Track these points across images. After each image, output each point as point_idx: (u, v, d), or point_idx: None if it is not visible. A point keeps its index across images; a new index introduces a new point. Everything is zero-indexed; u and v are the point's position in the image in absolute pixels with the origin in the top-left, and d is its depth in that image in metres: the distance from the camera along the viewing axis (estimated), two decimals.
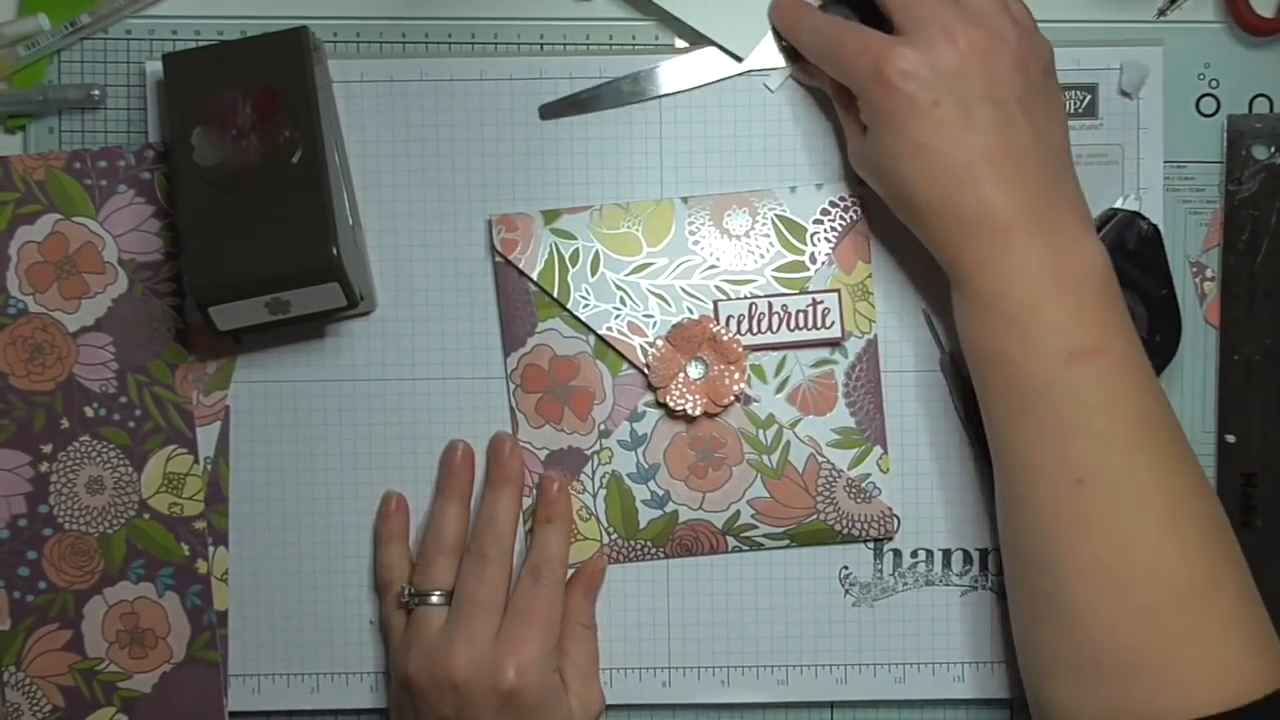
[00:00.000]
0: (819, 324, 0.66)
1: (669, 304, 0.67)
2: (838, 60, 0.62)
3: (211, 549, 0.68)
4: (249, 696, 0.68)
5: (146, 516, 0.68)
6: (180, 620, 0.68)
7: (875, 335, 0.67)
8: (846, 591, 0.68)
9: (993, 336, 0.59)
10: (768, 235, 0.67)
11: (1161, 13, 0.69)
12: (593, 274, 0.67)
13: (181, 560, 0.68)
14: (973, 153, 0.58)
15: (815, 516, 0.67)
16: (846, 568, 0.68)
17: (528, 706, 0.61)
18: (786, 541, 0.68)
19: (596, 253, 0.67)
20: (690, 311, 0.67)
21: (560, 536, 0.66)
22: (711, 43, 0.67)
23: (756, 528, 0.67)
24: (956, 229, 0.59)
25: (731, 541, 0.67)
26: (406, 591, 0.65)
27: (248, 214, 0.61)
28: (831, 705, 0.69)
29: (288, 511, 0.68)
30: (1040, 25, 0.68)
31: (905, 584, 0.68)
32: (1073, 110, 0.67)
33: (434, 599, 0.64)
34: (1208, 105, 0.69)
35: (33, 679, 0.68)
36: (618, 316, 0.67)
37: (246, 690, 0.68)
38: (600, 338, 0.67)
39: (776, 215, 0.67)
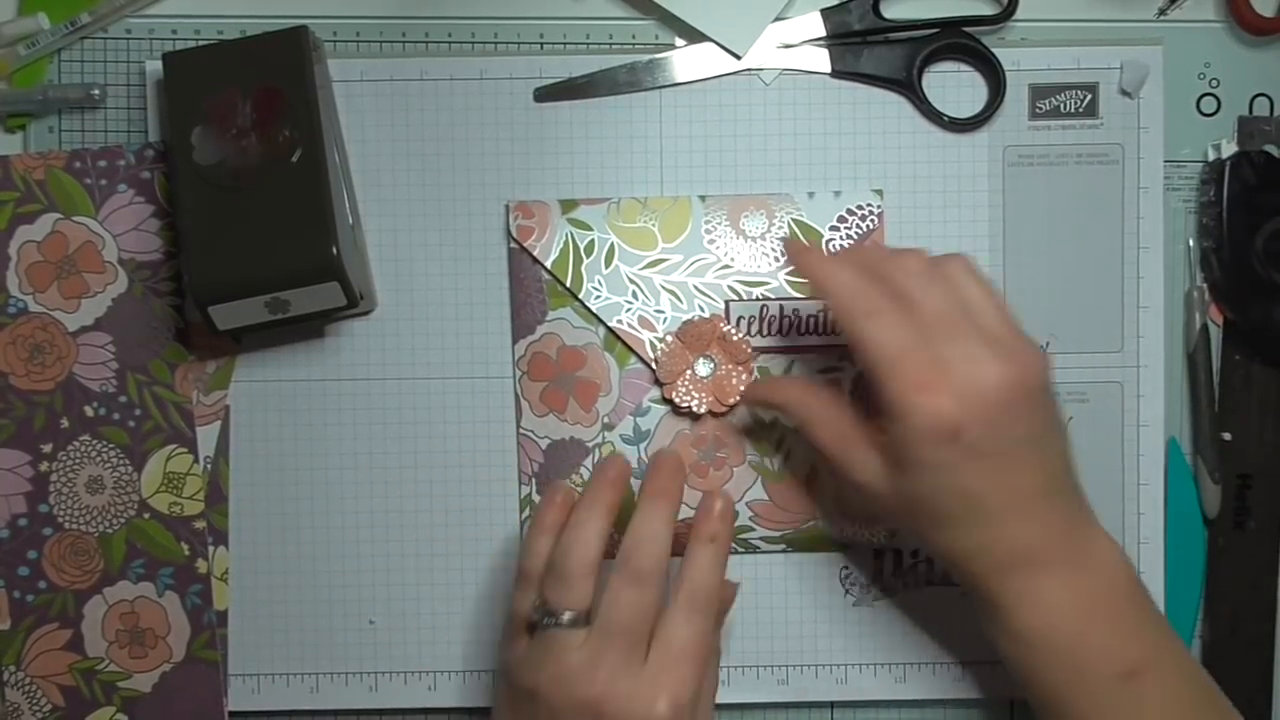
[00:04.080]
0: (829, 331, 0.66)
1: (681, 301, 0.67)
2: (874, 373, 0.57)
3: (211, 549, 0.68)
4: (249, 696, 0.68)
5: (146, 516, 0.68)
6: (180, 620, 0.68)
7: None
8: (846, 591, 0.68)
9: (1043, 670, 0.58)
10: (784, 238, 0.67)
11: (1161, 12, 0.69)
12: (606, 266, 0.67)
13: (181, 560, 0.68)
14: (1015, 494, 0.57)
15: (814, 523, 0.67)
16: (846, 568, 0.68)
17: None
18: (783, 546, 0.68)
19: (612, 245, 0.67)
20: (701, 310, 0.67)
21: (719, 561, 0.60)
22: (710, 41, 0.67)
23: (754, 530, 0.67)
24: (994, 568, 0.58)
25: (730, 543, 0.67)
26: (535, 605, 0.59)
27: (248, 214, 0.61)
28: (831, 705, 0.69)
29: (288, 511, 0.68)
30: (1040, 25, 0.69)
31: (905, 584, 0.68)
32: (1073, 110, 0.68)
33: (565, 618, 0.58)
34: (1208, 105, 0.69)
35: (33, 679, 0.68)
36: (629, 310, 0.67)
37: (246, 690, 0.68)
38: (610, 330, 0.67)
39: (793, 219, 0.67)
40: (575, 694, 0.56)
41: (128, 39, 0.68)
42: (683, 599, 0.59)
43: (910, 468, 0.57)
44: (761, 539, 0.68)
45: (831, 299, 0.58)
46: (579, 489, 0.66)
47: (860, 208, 0.67)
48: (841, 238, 0.67)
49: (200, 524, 0.68)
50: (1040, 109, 0.68)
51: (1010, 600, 0.58)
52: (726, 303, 0.67)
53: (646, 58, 0.68)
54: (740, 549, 0.68)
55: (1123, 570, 0.58)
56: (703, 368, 0.66)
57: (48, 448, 0.68)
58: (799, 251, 0.61)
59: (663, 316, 0.67)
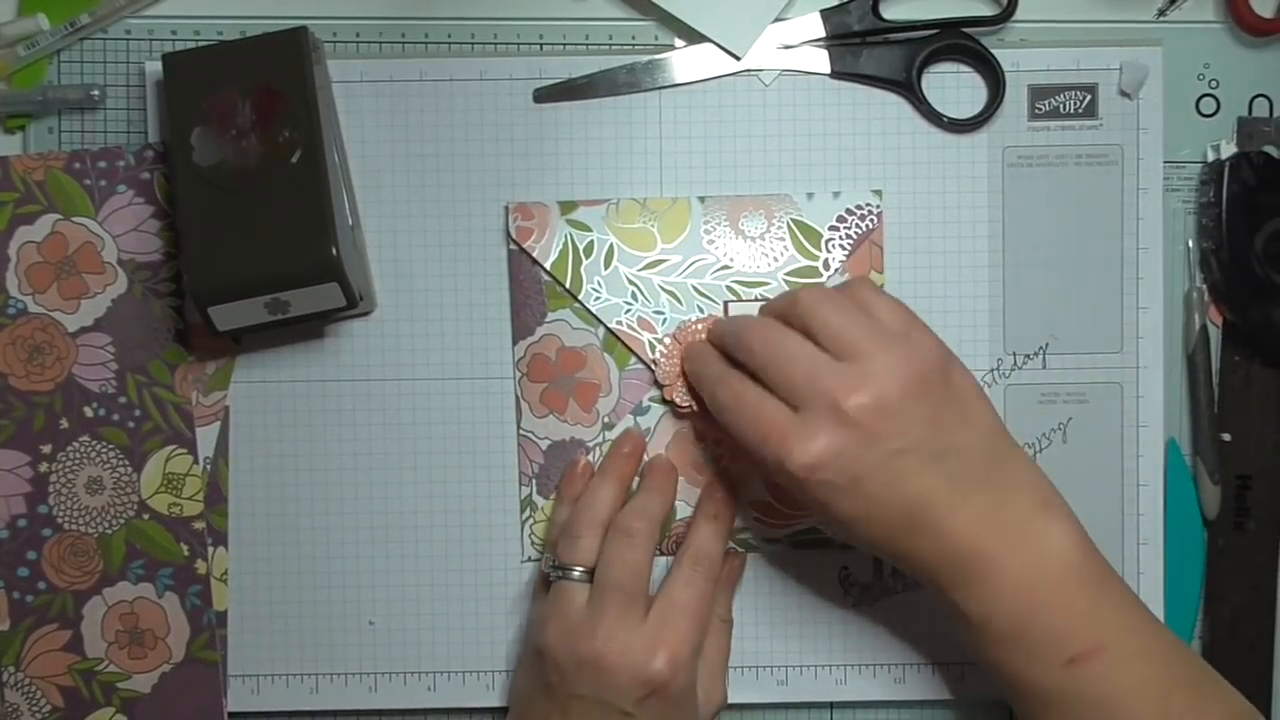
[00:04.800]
0: None
1: (680, 302, 0.67)
2: (741, 440, 0.59)
3: (211, 549, 0.68)
4: (248, 697, 0.68)
5: (146, 517, 0.68)
6: (180, 620, 0.68)
7: None
8: (846, 592, 0.68)
9: (992, 651, 0.58)
10: (782, 239, 0.67)
11: (1161, 13, 0.69)
12: (606, 267, 0.67)
13: (181, 560, 0.68)
14: (913, 502, 0.57)
15: (814, 523, 0.67)
16: (846, 568, 0.68)
17: (668, 698, 0.60)
18: (783, 546, 0.68)
19: (611, 246, 0.67)
20: (700, 310, 0.67)
21: (720, 535, 0.65)
22: (710, 42, 0.67)
23: (754, 530, 0.67)
24: (924, 569, 0.58)
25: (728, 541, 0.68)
26: (549, 561, 0.64)
27: (247, 214, 0.61)
28: (831, 705, 0.69)
29: (288, 511, 0.68)
30: (1040, 26, 0.68)
31: (905, 584, 0.68)
32: (1073, 110, 0.68)
33: (576, 573, 0.62)
34: (1208, 105, 0.69)
35: (32, 679, 0.68)
36: (628, 311, 0.67)
37: (246, 690, 0.68)
38: (610, 330, 0.67)
39: (792, 220, 0.67)
40: (577, 647, 0.60)
41: (127, 39, 0.68)
42: (685, 562, 0.63)
43: (805, 502, 0.58)
44: (761, 539, 0.68)
45: (690, 371, 0.65)
46: (590, 460, 0.68)
47: (859, 208, 0.67)
48: (841, 238, 0.67)
49: (200, 524, 0.68)
50: (1040, 110, 0.68)
51: (952, 593, 0.58)
52: (725, 303, 0.67)
53: (646, 58, 0.68)
54: (740, 549, 0.68)
55: (1071, 556, 0.57)
56: None
57: (47, 448, 0.68)
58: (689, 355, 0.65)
59: (662, 317, 0.67)
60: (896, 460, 0.56)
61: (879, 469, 0.56)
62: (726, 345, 0.62)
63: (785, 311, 0.60)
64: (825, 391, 0.56)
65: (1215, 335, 0.68)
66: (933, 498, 0.57)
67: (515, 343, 0.68)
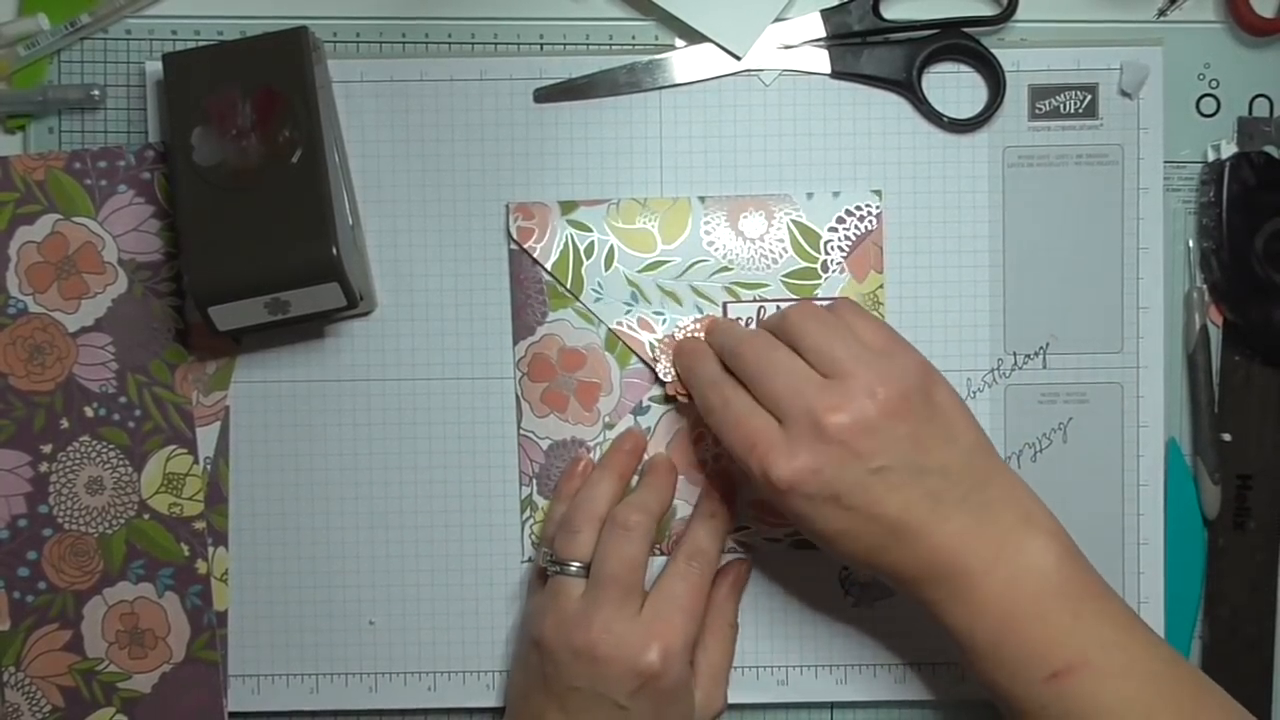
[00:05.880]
0: None
1: (679, 302, 0.67)
2: (727, 446, 0.60)
3: (211, 549, 0.68)
4: (248, 697, 0.68)
5: (146, 517, 0.68)
6: (180, 620, 0.68)
7: None
8: (846, 592, 0.68)
9: (975, 664, 0.59)
10: (782, 240, 0.67)
11: (1161, 13, 0.69)
12: (606, 268, 0.67)
13: (181, 560, 0.68)
14: (893, 519, 0.57)
15: None
16: (846, 568, 0.68)
17: (661, 691, 0.61)
18: (783, 546, 0.68)
19: (611, 247, 0.67)
20: (699, 311, 0.67)
21: (718, 533, 0.65)
22: (710, 42, 0.67)
23: (754, 529, 0.67)
24: (906, 583, 0.59)
25: (728, 541, 0.67)
26: (546, 555, 0.64)
27: (247, 214, 0.61)
28: (831, 705, 0.69)
29: (288, 511, 0.68)
30: (1040, 26, 0.68)
31: None
32: (1073, 110, 0.68)
33: (573, 568, 0.62)
34: (1208, 105, 0.69)
35: (32, 679, 0.68)
36: (628, 312, 0.67)
37: (246, 690, 0.68)
38: (611, 330, 0.67)
39: (792, 220, 0.67)
40: (573, 640, 0.61)
41: (128, 39, 0.68)
42: (680, 557, 0.64)
43: (787, 515, 0.59)
44: (761, 539, 0.68)
45: (681, 367, 0.65)
46: (592, 460, 0.68)
47: (859, 208, 0.67)
48: (840, 238, 0.67)
49: (200, 524, 0.68)
50: (1040, 109, 0.68)
51: (935, 607, 0.59)
52: (724, 304, 0.67)
53: (646, 58, 0.68)
54: (740, 549, 0.68)
55: (1052, 571, 0.57)
56: None
57: (48, 448, 0.68)
58: (679, 351, 0.66)
59: (662, 318, 0.67)
60: (877, 478, 0.57)
61: (859, 486, 0.57)
62: (723, 353, 0.63)
63: (777, 328, 0.61)
64: (808, 408, 0.57)
65: (1215, 335, 0.68)
66: (914, 514, 0.57)
67: (516, 342, 0.68)
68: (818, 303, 0.66)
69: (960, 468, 0.58)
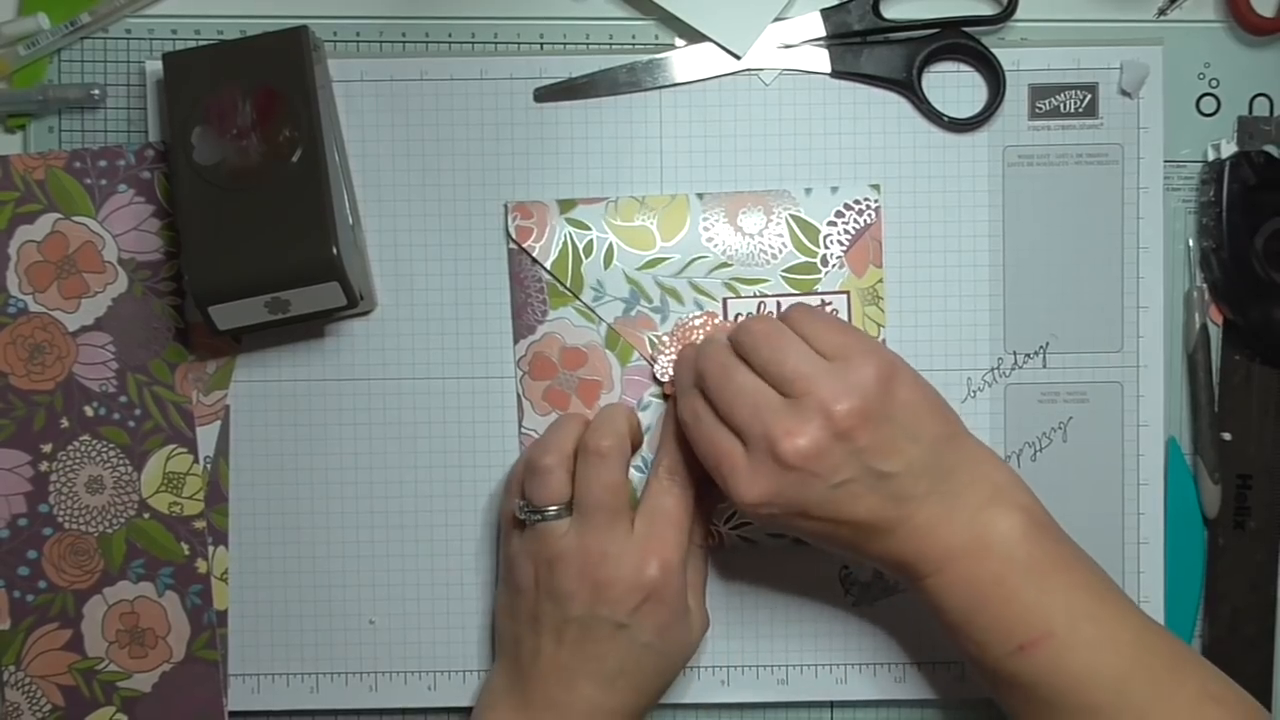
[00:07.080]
0: None
1: (679, 299, 0.67)
2: (699, 457, 0.61)
3: (211, 549, 0.68)
4: (249, 696, 0.68)
5: (146, 516, 0.68)
6: (180, 620, 0.68)
7: (884, 339, 0.67)
8: (847, 591, 0.68)
9: (949, 637, 0.61)
10: (781, 235, 0.67)
11: (1161, 12, 0.69)
12: (606, 266, 0.67)
13: (181, 560, 0.68)
14: (860, 522, 0.59)
15: None
16: (846, 568, 0.68)
17: (663, 602, 0.61)
18: (783, 545, 0.68)
19: (610, 245, 0.67)
20: (699, 307, 0.67)
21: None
22: (710, 41, 0.67)
23: (754, 528, 0.67)
24: (884, 567, 0.61)
25: (730, 538, 0.67)
26: (522, 507, 0.63)
27: (247, 214, 0.61)
28: (831, 705, 0.69)
29: (288, 511, 0.68)
30: (1040, 25, 0.68)
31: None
32: (1073, 110, 0.68)
33: (551, 511, 0.62)
34: (1208, 105, 0.69)
35: (32, 678, 0.68)
36: (628, 310, 0.67)
37: (246, 690, 0.68)
38: (611, 327, 0.67)
39: (791, 215, 0.67)
40: (570, 570, 0.61)
41: (128, 39, 0.68)
42: (660, 473, 0.64)
43: (759, 525, 0.61)
44: (764, 534, 0.68)
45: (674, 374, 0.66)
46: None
47: (857, 202, 0.67)
48: (839, 232, 0.67)
49: (200, 524, 0.68)
50: (1040, 109, 0.68)
51: (909, 583, 0.61)
52: (724, 300, 0.67)
53: (646, 58, 0.68)
54: (740, 546, 0.68)
55: (1017, 547, 0.59)
56: None
57: (48, 448, 0.68)
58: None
59: (661, 315, 0.67)
60: (839, 491, 0.58)
61: (821, 502, 0.58)
62: (693, 368, 0.63)
63: (735, 340, 0.62)
64: (765, 434, 0.58)
65: (1215, 335, 0.68)
66: (880, 516, 0.59)
67: (517, 341, 0.68)
68: (812, 300, 0.66)
69: (924, 464, 0.59)
